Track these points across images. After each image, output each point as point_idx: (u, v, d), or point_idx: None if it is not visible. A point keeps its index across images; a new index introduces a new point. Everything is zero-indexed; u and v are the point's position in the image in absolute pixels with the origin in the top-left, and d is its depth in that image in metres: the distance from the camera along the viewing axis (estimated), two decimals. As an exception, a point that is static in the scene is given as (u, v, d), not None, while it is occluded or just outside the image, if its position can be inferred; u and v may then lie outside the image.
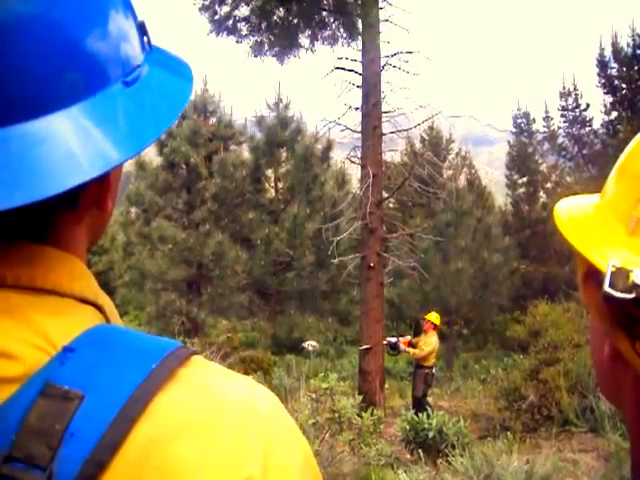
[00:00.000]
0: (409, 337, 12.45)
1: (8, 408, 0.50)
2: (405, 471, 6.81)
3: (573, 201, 0.73)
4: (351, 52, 13.46)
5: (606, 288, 0.54)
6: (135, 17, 0.65)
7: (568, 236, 0.65)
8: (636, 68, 18.42)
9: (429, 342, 11.36)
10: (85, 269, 0.63)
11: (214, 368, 0.58)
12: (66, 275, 0.59)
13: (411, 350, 11.58)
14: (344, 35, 14.14)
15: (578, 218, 0.68)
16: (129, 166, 18.59)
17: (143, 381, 0.51)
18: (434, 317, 11.75)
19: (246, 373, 11.09)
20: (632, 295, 0.53)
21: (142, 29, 0.66)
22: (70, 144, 0.53)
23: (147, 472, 0.49)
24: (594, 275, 0.59)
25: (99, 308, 0.61)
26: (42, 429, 0.48)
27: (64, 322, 0.55)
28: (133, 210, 20.36)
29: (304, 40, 14.35)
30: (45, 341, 0.53)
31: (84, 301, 0.59)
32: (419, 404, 10.67)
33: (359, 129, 12.95)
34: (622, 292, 0.54)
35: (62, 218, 0.61)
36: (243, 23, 14.07)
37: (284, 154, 20.20)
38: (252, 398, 0.56)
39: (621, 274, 0.54)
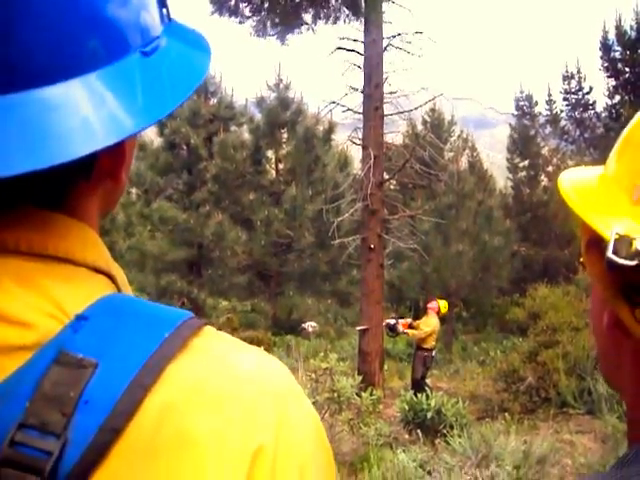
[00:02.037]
0: (409, 320, 12.47)
1: (22, 376, 0.50)
2: (404, 451, 6.85)
3: (577, 172, 0.74)
4: (353, 32, 13.38)
5: (609, 255, 0.55)
6: None
7: (572, 204, 0.65)
8: (639, 52, 18.29)
9: (429, 323, 11.39)
10: (98, 239, 0.63)
11: (226, 338, 0.58)
12: (79, 244, 0.59)
13: (410, 331, 11.63)
14: (346, 13, 14.05)
15: (582, 187, 0.68)
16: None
17: (156, 349, 0.51)
18: (442, 304, 11.87)
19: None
20: (635, 262, 0.54)
21: (162, 0, 0.65)
22: (86, 111, 0.53)
23: (161, 439, 0.49)
24: (597, 243, 0.60)
25: (112, 278, 0.61)
26: (56, 396, 0.48)
27: (77, 291, 0.55)
28: (134, 191, 20.34)
29: (307, 17, 14.27)
30: (58, 309, 0.53)
31: (97, 270, 0.59)
32: (418, 386, 10.72)
33: (361, 110, 12.90)
34: (625, 259, 0.54)
35: (76, 188, 0.61)
36: (245, 4, 13.98)
37: (285, 135, 20.15)
38: (265, 369, 0.57)
39: (624, 241, 0.55)
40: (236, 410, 0.52)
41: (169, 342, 0.52)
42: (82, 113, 0.53)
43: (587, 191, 0.67)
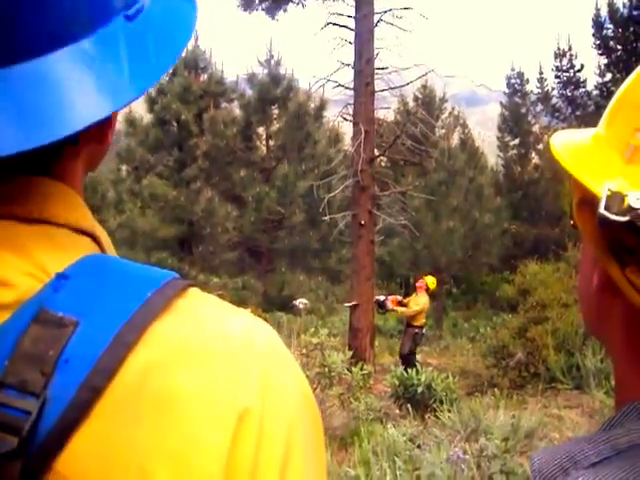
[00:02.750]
0: (399, 297, 12.49)
1: (0, 334, 0.49)
2: (394, 425, 6.90)
3: (569, 133, 0.73)
4: (344, 8, 13.27)
5: (601, 210, 0.54)
6: None
7: (564, 163, 0.65)
8: (632, 29, 18.25)
9: (418, 301, 11.42)
10: (81, 200, 0.62)
11: (213, 300, 0.57)
12: (62, 206, 0.58)
13: (399, 309, 11.67)
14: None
15: (574, 147, 0.68)
16: (119, 124, 18.41)
17: (139, 308, 0.50)
18: (430, 280, 11.82)
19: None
20: (626, 218, 0.54)
21: None
22: (75, 84, 0.52)
23: (143, 398, 0.48)
24: (589, 201, 0.60)
25: (95, 239, 0.60)
26: (35, 355, 0.47)
27: (59, 251, 0.54)
28: (124, 168, 20.24)
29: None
30: (39, 269, 0.52)
31: (80, 231, 0.58)
32: (405, 361, 10.79)
33: (351, 86, 12.84)
34: (617, 215, 0.54)
35: (61, 152, 0.59)
36: (235, -23, 13.84)
37: (276, 112, 20.05)
38: (251, 330, 0.55)
39: (616, 198, 0.54)
40: (222, 369, 0.51)
41: (152, 301, 0.51)
42: (72, 86, 0.51)
43: (579, 150, 0.67)
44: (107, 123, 0.63)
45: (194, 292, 0.56)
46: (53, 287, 0.50)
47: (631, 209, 0.54)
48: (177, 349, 0.50)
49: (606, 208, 0.54)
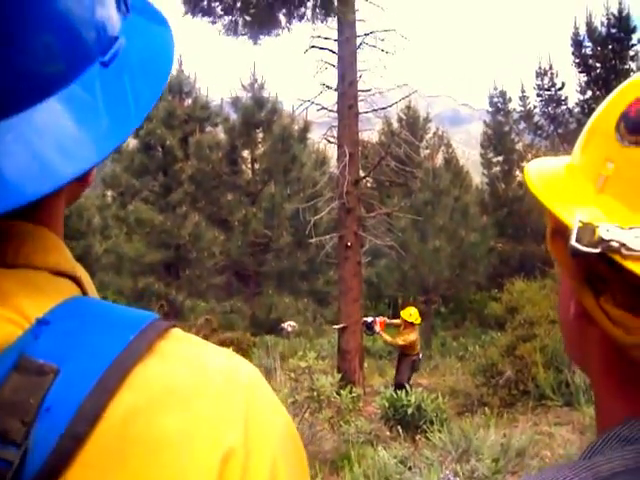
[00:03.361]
0: (385, 318, 12.34)
1: None
2: (384, 447, 6.87)
3: (544, 161, 0.74)
4: (327, 31, 13.39)
5: (572, 243, 0.55)
6: None
7: (537, 193, 0.65)
8: (610, 47, 18.53)
9: (406, 339, 10.95)
10: (59, 241, 0.60)
11: (194, 341, 0.56)
12: (41, 249, 0.56)
13: (386, 337, 11.31)
14: (320, 12, 14.02)
15: (548, 176, 0.69)
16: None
17: (121, 352, 0.49)
18: (409, 314, 11.06)
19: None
20: (597, 250, 0.54)
21: None
22: (44, 146, 0.50)
23: (128, 443, 0.47)
24: (562, 232, 0.60)
25: (76, 280, 0.58)
26: (16, 404, 0.46)
27: (38, 295, 0.53)
28: (109, 193, 20.20)
29: (281, 18, 14.22)
30: (18, 314, 0.50)
31: (60, 273, 0.57)
32: (402, 388, 10.49)
33: (335, 109, 12.91)
34: (588, 247, 0.54)
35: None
36: (217, 3, 13.89)
37: (260, 135, 20.13)
38: (233, 369, 0.55)
39: (587, 229, 0.55)
40: (205, 409, 0.50)
41: (134, 344, 0.50)
42: (50, 139, 0.50)
43: (553, 180, 0.68)
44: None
45: (176, 333, 0.55)
46: (33, 333, 0.49)
47: (602, 241, 0.54)
48: (160, 392, 0.50)
49: (577, 240, 0.55)
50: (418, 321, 11.16)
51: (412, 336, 11.04)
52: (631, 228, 0.54)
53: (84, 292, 0.59)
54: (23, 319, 0.50)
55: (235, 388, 0.53)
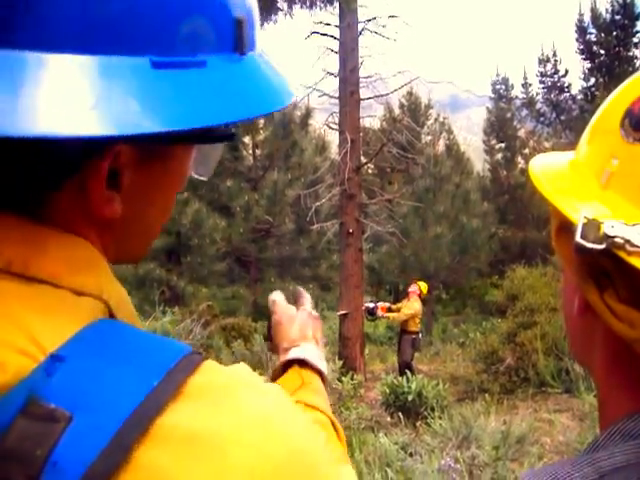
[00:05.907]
0: (387, 304, 12.45)
1: None
2: (385, 434, 6.90)
3: (548, 157, 0.74)
4: (328, 17, 13.31)
5: (577, 239, 0.55)
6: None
7: (542, 189, 0.65)
8: (614, 34, 18.44)
9: (411, 306, 11.35)
10: (90, 253, 0.55)
11: (228, 375, 0.51)
12: (65, 263, 0.52)
13: (390, 315, 11.63)
14: (321, -2, 13.94)
15: (552, 173, 0.69)
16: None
17: (143, 401, 0.44)
18: (423, 285, 11.86)
19: (226, 341, 11.12)
20: (602, 246, 0.54)
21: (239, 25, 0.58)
22: (82, 91, 0.47)
23: None
24: (567, 228, 0.60)
25: (103, 300, 0.53)
26: (21, 454, 0.42)
27: (56, 319, 0.48)
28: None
29: (282, 3, 14.15)
30: (33, 344, 0.46)
31: (83, 293, 0.52)
32: (407, 368, 10.64)
33: (337, 95, 12.87)
34: (593, 243, 0.54)
35: (65, 187, 0.53)
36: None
37: (262, 121, 20.06)
38: (274, 422, 0.49)
39: (592, 225, 0.55)
40: (239, 457, 0.45)
41: (159, 391, 0.45)
42: (72, 91, 0.46)
43: (557, 176, 0.68)
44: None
45: (208, 368, 0.50)
46: (46, 371, 0.45)
47: (607, 237, 0.54)
48: (184, 448, 0.44)
49: (582, 236, 0.55)
50: (425, 290, 11.99)
51: (417, 304, 11.41)
52: (635, 224, 0.55)
53: (111, 313, 0.54)
54: (37, 349, 0.46)
55: (272, 437, 0.48)
